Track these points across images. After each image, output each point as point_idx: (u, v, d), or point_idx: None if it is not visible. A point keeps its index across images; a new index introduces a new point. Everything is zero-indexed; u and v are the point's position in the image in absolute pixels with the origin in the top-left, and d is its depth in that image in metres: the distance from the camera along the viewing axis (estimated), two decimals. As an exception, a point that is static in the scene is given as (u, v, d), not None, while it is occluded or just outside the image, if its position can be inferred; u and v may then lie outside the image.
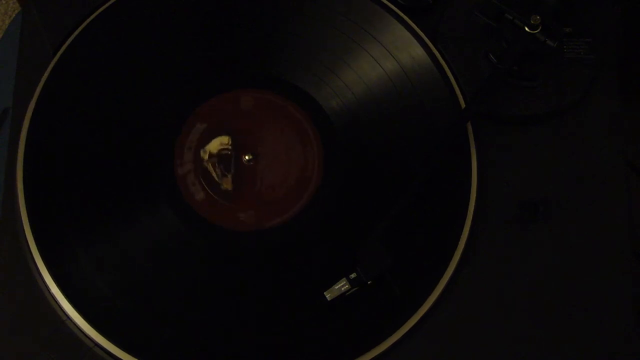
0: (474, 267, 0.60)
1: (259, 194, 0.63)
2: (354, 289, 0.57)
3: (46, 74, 0.65)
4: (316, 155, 0.64)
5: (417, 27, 0.67)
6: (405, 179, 0.60)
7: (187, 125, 0.65)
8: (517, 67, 0.63)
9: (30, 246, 0.59)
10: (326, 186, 0.63)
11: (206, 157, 0.63)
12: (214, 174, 0.62)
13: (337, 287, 0.57)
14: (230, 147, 0.64)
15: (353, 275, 0.57)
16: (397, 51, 0.66)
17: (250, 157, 0.64)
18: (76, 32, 0.67)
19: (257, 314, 0.58)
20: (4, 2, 1.10)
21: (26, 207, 0.60)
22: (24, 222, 0.60)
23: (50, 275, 0.58)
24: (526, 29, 0.62)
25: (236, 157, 0.64)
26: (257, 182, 0.64)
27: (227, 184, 0.62)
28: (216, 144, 0.63)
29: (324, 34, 0.67)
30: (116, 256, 0.60)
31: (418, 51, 0.66)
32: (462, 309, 0.59)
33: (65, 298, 0.58)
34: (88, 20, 0.68)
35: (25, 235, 0.60)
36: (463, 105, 0.64)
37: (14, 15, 1.06)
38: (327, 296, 0.57)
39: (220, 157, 0.64)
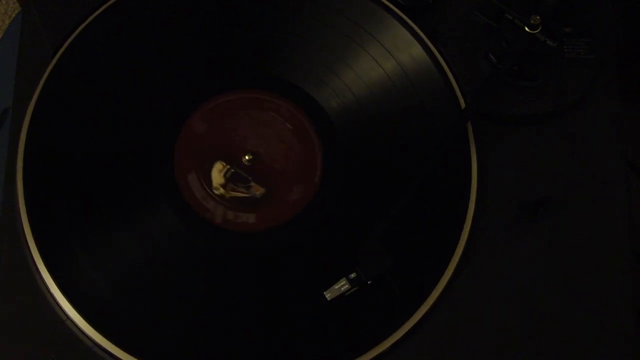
0: (474, 267, 0.60)
1: (258, 193, 0.63)
2: (354, 289, 0.57)
3: (46, 74, 0.65)
4: (316, 155, 0.64)
5: (417, 27, 0.67)
6: (405, 179, 0.60)
7: (188, 125, 0.66)
8: (517, 67, 0.63)
9: (30, 246, 0.59)
10: (326, 186, 0.63)
11: (222, 191, 0.62)
12: (241, 194, 0.62)
13: (337, 287, 0.57)
14: (228, 167, 0.63)
15: (353, 275, 0.57)
16: (397, 51, 0.66)
17: (250, 157, 0.64)
18: (76, 32, 0.67)
19: (257, 314, 0.58)
20: (4, 2, 1.10)
21: (26, 207, 0.60)
22: (24, 222, 0.60)
23: (50, 275, 0.58)
24: (526, 29, 0.62)
25: (239, 168, 0.63)
26: (257, 182, 0.64)
27: (257, 190, 0.62)
28: (217, 175, 0.63)
29: (324, 34, 0.67)
30: (116, 256, 0.60)
31: (418, 51, 0.66)
32: (462, 309, 0.59)
33: (65, 298, 0.58)
34: (88, 20, 0.68)
35: (25, 235, 0.60)
36: (463, 105, 0.64)
37: (14, 15, 1.06)
38: (327, 296, 0.57)
39: (231, 179, 0.64)
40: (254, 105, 0.66)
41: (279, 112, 0.66)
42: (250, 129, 0.65)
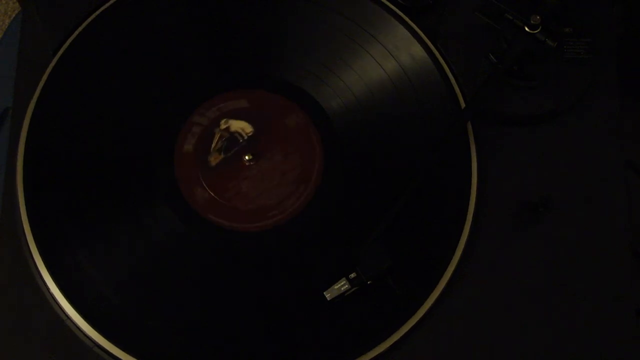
0: (474, 268, 0.60)
1: (259, 193, 0.63)
2: (354, 289, 0.57)
3: (46, 74, 0.65)
4: (316, 155, 0.64)
5: (417, 27, 0.67)
6: (405, 178, 0.60)
7: (187, 125, 0.66)
8: (517, 67, 0.63)
9: (30, 246, 0.59)
10: (326, 186, 0.63)
11: (223, 127, 0.62)
12: (213, 143, 0.62)
13: (337, 287, 0.57)
14: (245, 136, 0.63)
15: (353, 275, 0.57)
16: (397, 51, 0.66)
17: (251, 157, 0.64)
18: (76, 32, 0.67)
19: (257, 314, 0.58)
20: (4, 2, 1.10)
21: (26, 207, 0.60)
22: (24, 222, 0.60)
23: (50, 275, 0.58)
24: (526, 29, 0.62)
25: (239, 150, 0.64)
26: (258, 182, 0.64)
27: (213, 160, 0.62)
28: (238, 126, 0.63)
29: (324, 34, 0.67)
30: (116, 256, 0.60)
31: (418, 51, 0.66)
32: (462, 309, 0.59)
33: (65, 298, 0.58)
34: (88, 20, 0.68)
35: (25, 235, 0.60)
36: (463, 105, 0.64)
37: (14, 15, 1.06)
38: (327, 296, 0.57)
39: (230, 137, 0.63)
40: (253, 105, 0.66)
41: (278, 112, 0.66)
42: (249, 129, 0.66)
